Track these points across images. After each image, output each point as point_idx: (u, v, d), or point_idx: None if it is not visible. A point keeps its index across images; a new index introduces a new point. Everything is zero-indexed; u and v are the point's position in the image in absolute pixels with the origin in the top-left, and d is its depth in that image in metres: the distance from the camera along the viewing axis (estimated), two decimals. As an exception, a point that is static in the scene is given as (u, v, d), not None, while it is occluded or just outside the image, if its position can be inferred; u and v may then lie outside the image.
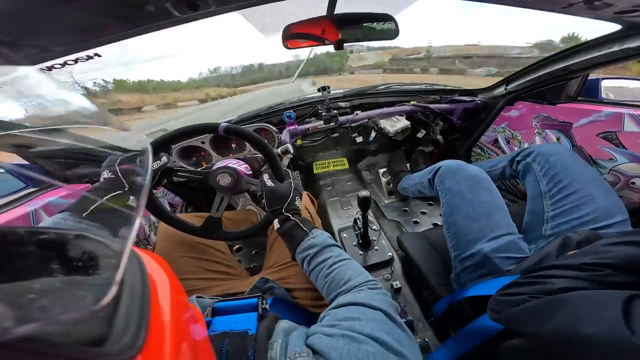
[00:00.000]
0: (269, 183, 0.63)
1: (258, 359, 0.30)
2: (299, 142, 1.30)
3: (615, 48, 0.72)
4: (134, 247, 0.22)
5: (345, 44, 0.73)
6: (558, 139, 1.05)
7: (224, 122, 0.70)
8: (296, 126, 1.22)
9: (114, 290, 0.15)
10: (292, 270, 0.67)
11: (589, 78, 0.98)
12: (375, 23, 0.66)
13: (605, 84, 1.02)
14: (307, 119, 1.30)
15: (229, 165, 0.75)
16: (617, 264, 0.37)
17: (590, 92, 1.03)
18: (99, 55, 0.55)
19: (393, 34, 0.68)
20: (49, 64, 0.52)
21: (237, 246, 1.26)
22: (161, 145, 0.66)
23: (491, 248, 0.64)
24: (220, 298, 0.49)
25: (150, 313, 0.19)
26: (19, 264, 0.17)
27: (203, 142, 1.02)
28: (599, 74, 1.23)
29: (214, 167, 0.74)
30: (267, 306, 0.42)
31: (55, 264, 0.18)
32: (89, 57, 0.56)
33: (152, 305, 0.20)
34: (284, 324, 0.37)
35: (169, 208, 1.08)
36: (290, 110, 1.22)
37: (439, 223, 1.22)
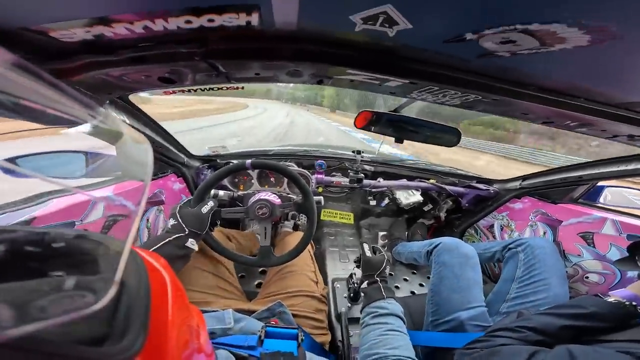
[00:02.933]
0: (368, 253, 0.77)
1: None
2: (320, 189, 1.42)
3: (631, 167, 0.87)
4: (135, 248, 0.22)
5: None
6: (545, 232, 1.20)
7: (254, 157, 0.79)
8: (323, 176, 1.30)
9: (113, 290, 0.15)
10: (299, 299, 0.75)
11: (599, 185, 1.13)
12: (441, 133, 0.80)
13: (608, 190, 1.15)
14: (333, 172, 1.42)
15: (262, 197, 0.84)
16: (535, 327, 0.53)
17: (591, 196, 1.17)
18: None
19: (453, 144, 0.83)
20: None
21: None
22: (205, 191, 0.75)
23: (467, 316, 0.77)
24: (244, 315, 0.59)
25: (151, 313, 0.19)
26: (18, 264, 0.17)
27: (253, 170, 1.12)
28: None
29: (250, 202, 0.83)
30: (304, 337, 0.53)
31: (55, 264, 0.18)
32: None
33: (153, 305, 0.20)
34: (308, 355, 0.47)
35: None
36: (322, 160, 1.32)
37: (416, 292, 1.31)
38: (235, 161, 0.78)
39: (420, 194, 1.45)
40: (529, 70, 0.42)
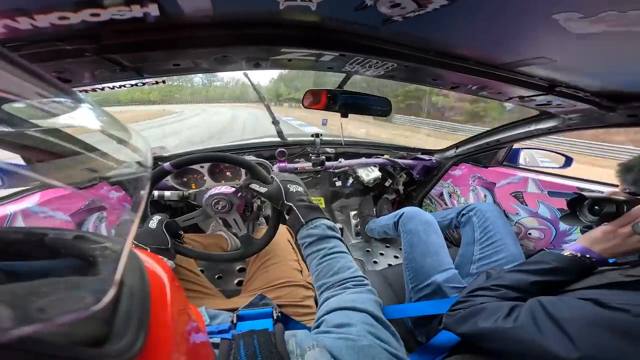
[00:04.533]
0: (262, 189, 0.66)
1: (280, 349, 0.36)
2: None
3: (532, 127, 1.04)
4: (133, 248, 0.23)
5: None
6: (485, 195, 1.37)
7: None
8: (286, 164, 1.33)
9: (112, 291, 0.15)
10: (283, 290, 0.74)
11: (513, 147, 1.31)
12: (374, 104, 0.88)
13: (523, 152, 1.30)
14: (296, 159, 1.45)
15: (214, 192, 0.81)
16: (509, 285, 0.57)
17: (513, 159, 1.33)
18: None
19: (387, 113, 0.92)
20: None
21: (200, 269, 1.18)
22: (182, 165, 0.73)
23: (442, 279, 0.82)
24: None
25: (150, 314, 0.19)
26: (18, 264, 0.17)
27: (202, 167, 1.06)
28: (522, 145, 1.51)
29: (204, 200, 0.79)
30: (279, 314, 0.52)
31: (55, 264, 0.18)
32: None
33: (152, 306, 0.20)
34: (287, 331, 0.44)
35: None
36: (283, 148, 1.33)
37: (392, 264, 1.42)
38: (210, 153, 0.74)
39: (378, 170, 1.56)
40: (425, 35, 0.50)
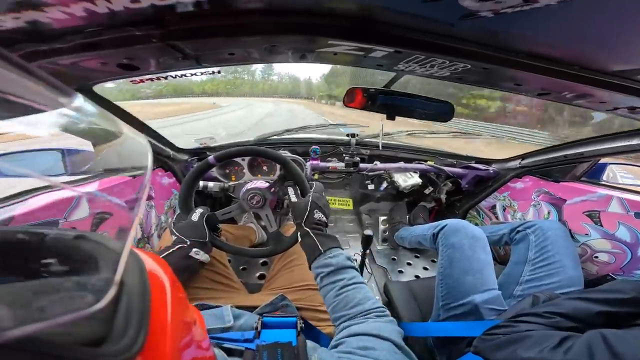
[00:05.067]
0: (293, 198, 0.68)
1: (300, 356, 0.36)
2: (316, 176, 1.40)
3: (634, 142, 0.84)
4: (134, 248, 0.22)
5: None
6: (549, 212, 1.17)
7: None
8: (319, 162, 1.30)
9: (113, 291, 0.15)
10: (305, 293, 0.73)
11: (599, 162, 1.11)
12: (429, 107, 0.76)
13: (611, 167, 1.13)
14: (329, 158, 1.40)
15: (250, 187, 0.82)
16: (566, 313, 0.51)
17: (594, 174, 1.14)
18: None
19: (447, 118, 0.79)
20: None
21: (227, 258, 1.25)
22: (224, 159, 0.75)
23: (482, 299, 0.74)
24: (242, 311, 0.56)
25: (150, 314, 0.19)
26: (18, 264, 0.17)
27: (243, 160, 1.11)
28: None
29: (241, 194, 0.81)
30: (303, 325, 0.51)
31: (55, 264, 0.18)
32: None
33: (152, 306, 0.20)
34: (309, 343, 0.44)
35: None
36: (317, 146, 1.30)
37: (420, 275, 1.30)
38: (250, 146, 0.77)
39: (419, 177, 1.42)
40: (517, 33, 0.39)
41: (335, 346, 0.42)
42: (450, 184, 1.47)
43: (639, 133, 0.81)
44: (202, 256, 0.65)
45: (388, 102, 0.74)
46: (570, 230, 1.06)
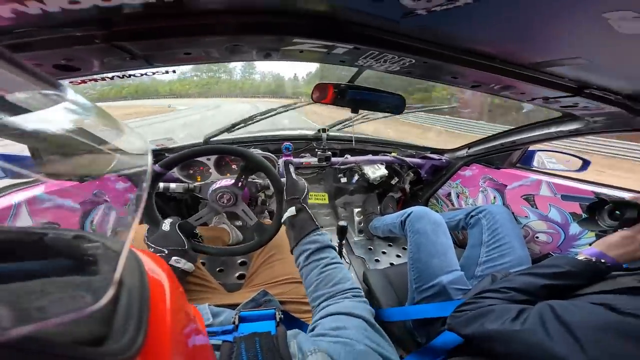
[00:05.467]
0: (294, 176, 0.70)
1: (282, 353, 0.36)
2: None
3: (552, 130, 0.99)
4: (132, 248, 0.23)
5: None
6: (495, 197, 1.33)
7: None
8: (292, 158, 1.29)
9: (112, 290, 0.15)
10: (287, 287, 0.75)
11: (529, 149, 1.25)
12: (387, 100, 0.83)
13: (538, 155, 1.26)
14: (301, 154, 1.42)
15: (217, 186, 0.80)
16: (518, 287, 0.57)
17: (527, 161, 1.28)
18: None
19: (400, 111, 0.87)
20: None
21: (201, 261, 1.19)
22: (172, 165, 0.71)
23: (448, 280, 0.81)
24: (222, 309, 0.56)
25: (150, 313, 0.19)
26: (17, 264, 0.17)
27: (209, 159, 1.07)
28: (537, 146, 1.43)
29: (209, 195, 0.78)
30: (282, 316, 0.52)
31: (54, 264, 0.18)
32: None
33: (151, 305, 0.20)
34: (289, 331, 0.44)
35: None
36: (289, 142, 1.31)
37: (394, 263, 1.40)
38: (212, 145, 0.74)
39: (385, 168, 1.52)
40: (449, 31, 0.46)
41: (313, 329, 0.43)
42: (412, 174, 1.60)
43: (555, 122, 0.97)
44: (184, 264, 0.64)
45: (356, 97, 0.80)
46: (513, 213, 1.19)
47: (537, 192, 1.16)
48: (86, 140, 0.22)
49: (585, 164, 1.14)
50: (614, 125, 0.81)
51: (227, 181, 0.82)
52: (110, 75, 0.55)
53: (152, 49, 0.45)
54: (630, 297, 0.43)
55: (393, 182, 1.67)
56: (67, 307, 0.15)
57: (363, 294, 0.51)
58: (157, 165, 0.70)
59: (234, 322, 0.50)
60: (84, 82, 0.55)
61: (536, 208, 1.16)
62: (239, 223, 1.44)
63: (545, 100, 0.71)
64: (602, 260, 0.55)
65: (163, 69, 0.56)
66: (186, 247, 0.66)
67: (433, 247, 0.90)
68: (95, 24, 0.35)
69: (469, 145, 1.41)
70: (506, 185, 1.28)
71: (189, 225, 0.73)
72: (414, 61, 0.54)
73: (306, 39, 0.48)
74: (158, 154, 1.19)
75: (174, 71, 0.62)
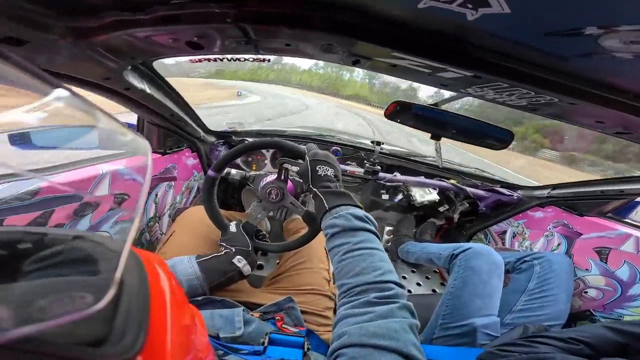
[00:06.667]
0: (294, 168, 0.66)
1: None
2: None
3: None
4: (134, 248, 0.22)
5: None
6: (559, 244, 1.17)
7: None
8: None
9: (112, 291, 0.15)
10: (310, 297, 0.73)
11: (636, 200, 1.06)
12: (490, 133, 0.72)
13: None
14: (348, 161, 1.38)
15: (264, 183, 0.79)
16: (590, 342, 0.50)
17: (622, 212, 1.10)
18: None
19: (503, 147, 0.76)
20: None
21: None
22: (222, 167, 0.72)
23: (482, 323, 0.76)
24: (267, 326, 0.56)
25: (150, 314, 0.19)
26: (18, 264, 0.17)
27: (267, 150, 1.12)
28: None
29: (260, 187, 0.79)
30: (310, 346, 0.50)
31: (55, 264, 0.18)
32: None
33: (152, 306, 0.20)
34: (314, 356, 0.42)
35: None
36: (338, 147, 1.30)
37: (412, 291, 1.32)
38: (250, 139, 0.74)
39: (437, 193, 1.40)
40: (633, 75, 0.36)
41: (332, 354, 0.34)
42: (467, 205, 1.45)
43: None
44: (243, 265, 0.65)
45: (439, 121, 0.71)
46: (573, 263, 1.08)
47: (617, 247, 1.01)
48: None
49: None
50: None
51: (272, 176, 0.82)
52: (221, 56, 0.57)
53: (263, 36, 0.44)
54: None
55: (441, 209, 1.53)
56: (67, 308, 0.15)
57: (397, 291, 0.38)
58: (210, 170, 0.73)
59: (263, 343, 0.48)
60: (199, 60, 0.59)
61: (605, 263, 1.02)
62: (269, 214, 1.46)
63: None
64: None
65: (262, 56, 0.57)
66: (250, 247, 0.68)
67: (482, 287, 0.83)
68: (232, 1, 0.36)
69: (553, 186, 1.24)
70: (581, 234, 1.12)
71: (250, 226, 0.75)
72: (556, 100, 0.45)
73: (411, 55, 0.42)
74: (226, 136, 1.25)
75: (268, 60, 0.62)
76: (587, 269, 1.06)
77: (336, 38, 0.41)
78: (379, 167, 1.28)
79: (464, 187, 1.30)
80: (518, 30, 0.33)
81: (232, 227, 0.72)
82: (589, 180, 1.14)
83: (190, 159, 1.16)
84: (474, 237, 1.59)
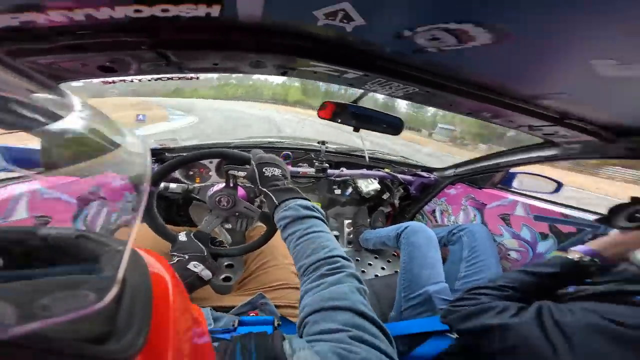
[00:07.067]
0: (241, 173, 0.67)
1: (276, 351, 0.35)
2: None
3: (533, 154, 1.08)
4: (136, 248, 0.23)
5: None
6: (475, 215, 1.41)
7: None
8: (290, 167, 1.34)
9: (115, 289, 0.16)
10: (281, 292, 0.75)
11: (510, 172, 1.34)
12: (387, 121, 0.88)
13: (519, 176, 1.34)
14: (299, 163, 1.46)
15: (212, 192, 0.79)
16: (516, 286, 0.60)
17: (507, 182, 1.37)
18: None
19: (398, 132, 0.92)
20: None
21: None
22: (158, 181, 0.71)
23: (434, 290, 0.87)
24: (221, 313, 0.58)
25: (152, 311, 0.20)
26: (22, 263, 0.17)
27: (211, 162, 1.08)
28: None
29: (208, 195, 0.78)
30: (280, 322, 0.53)
31: (58, 263, 0.19)
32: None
33: (154, 304, 0.20)
34: (286, 335, 0.43)
35: None
36: (289, 151, 1.34)
37: (379, 274, 1.46)
38: (185, 154, 0.75)
39: (378, 183, 1.57)
40: (453, 66, 0.51)
41: (300, 326, 0.40)
42: (402, 190, 1.66)
43: (536, 147, 1.07)
44: (201, 270, 0.63)
45: (357, 115, 0.83)
46: (490, 231, 1.26)
47: (513, 212, 1.25)
48: (88, 139, 0.23)
49: (559, 186, 1.23)
50: (588, 152, 0.90)
51: (220, 185, 0.81)
52: (139, 77, 0.57)
53: (187, 58, 0.47)
54: (612, 305, 0.48)
55: (384, 196, 1.72)
56: (70, 306, 0.15)
57: (343, 261, 0.45)
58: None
59: (233, 325, 0.51)
60: (113, 82, 0.58)
61: (510, 227, 1.25)
62: (228, 226, 1.43)
63: (530, 128, 0.79)
64: (595, 260, 0.59)
65: (189, 75, 0.59)
66: (205, 253, 0.67)
67: (424, 260, 0.96)
68: (146, 31, 0.38)
69: (456, 166, 1.50)
70: (486, 205, 1.37)
71: (203, 234, 0.73)
72: (417, 89, 0.59)
73: (322, 62, 0.52)
74: (158, 153, 1.19)
75: (197, 77, 0.64)
76: (500, 234, 1.27)
77: (264, 56, 0.47)
78: (327, 165, 1.37)
79: (395, 174, 1.49)
80: (376, 36, 0.45)
81: (182, 237, 0.70)
82: (476, 158, 1.41)
83: (116, 180, 1.05)
84: (414, 219, 1.79)
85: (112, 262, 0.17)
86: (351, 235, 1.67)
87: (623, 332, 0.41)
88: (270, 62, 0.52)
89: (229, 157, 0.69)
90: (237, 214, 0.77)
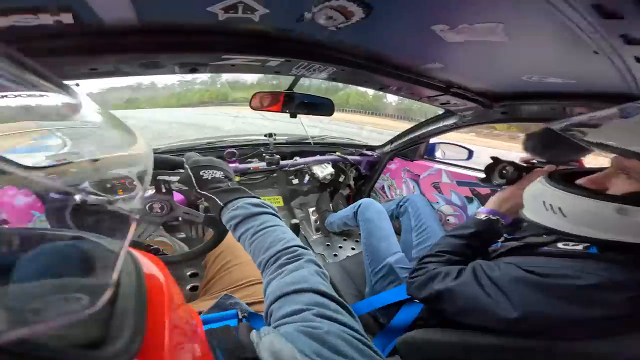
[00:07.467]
0: (174, 178, 0.63)
1: (243, 340, 0.34)
2: (237, 178, 1.39)
3: (440, 124, 1.25)
4: (130, 249, 0.23)
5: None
6: (414, 187, 1.58)
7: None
8: (237, 164, 1.34)
9: (109, 292, 0.15)
10: (250, 289, 0.73)
11: (430, 142, 1.49)
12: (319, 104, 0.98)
13: (439, 146, 1.46)
14: (248, 159, 1.45)
15: (146, 196, 0.73)
16: (450, 250, 0.65)
17: (431, 152, 1.51)
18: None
19: (330, 113, 1.02)
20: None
21: None
22: None
23: (393, 260, 0.94)
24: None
25: (147, 315, 0.19)
26: (12, 265, 0.17)
27: (130, 171, 0.98)
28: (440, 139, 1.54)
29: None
30: (246, 314, 0.51)
31: (50, 265, 0.18)
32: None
33: (149, 307, 0.20)
34: (254, 326, 0.42)
35: None
36: (233, 149, 1.34)
37: (350, 255, 1.51)
38: None
39: (332, 167, 1.68)
40: (357, 43, 0.62)
41: (267, 315, 0.39)
42: (355, 171, 1.82)
43: (441, 117, 1.25)
44: None
45: (291, 102, 0.92)
46: (428, 200, 1.31)
47: (440, 180, 1.39)
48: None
49: (471, 153, 1.41)
50: (478, 118, 1.13)
51: (150, 192, 0.74)
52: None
53: (53, 66, 0.44)
54: (526, 257, 0.54)
55: (341, 179, 1.84)
56: (62, 310, 0.14)
57: (301, 250, 0.45)
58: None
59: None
60: None
61: (442, 194, 1.38)
62: (181, 235, 1.38)
63: (428, 99, 0.98)
64: (497, 218, 0.64)
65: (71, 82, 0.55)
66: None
67: (379, 232, 1.04)
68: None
69: (391, 141, 1.68)
70: (419, 175, 1.54)
71: (138, 244, 0.70)
72: (335, 69, 0.70)
73: (236, 54, 0.53)
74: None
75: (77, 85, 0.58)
76: (437, 202, 1.38)
77: (156, 56, 0.45)
78: (278, 157, 1.39)
79: (345, 156, 1.63)
80: (283, 21, 0.49)
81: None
82: (403, 132, 1.57)
83: (18, 198, 0.88)
84: (370, 197, 1.92)
85: (106, 265, 0.17)
86: (318, 222, 1.75)
87: (537, 280, 0.47)
88: (170, 61, 0.50)
89: (156, 163, 0.64)
90: (178, 219, 0.72)
